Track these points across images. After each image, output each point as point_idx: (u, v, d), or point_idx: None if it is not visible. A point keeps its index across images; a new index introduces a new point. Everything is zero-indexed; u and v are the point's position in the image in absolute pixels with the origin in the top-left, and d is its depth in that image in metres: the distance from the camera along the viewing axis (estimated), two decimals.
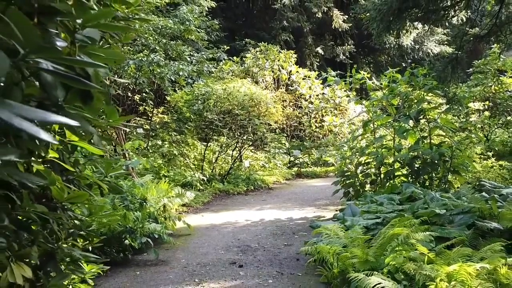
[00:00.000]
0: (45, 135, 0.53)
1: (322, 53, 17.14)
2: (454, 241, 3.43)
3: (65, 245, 1.75)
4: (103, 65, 0.74)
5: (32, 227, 1.51)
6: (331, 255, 3.32)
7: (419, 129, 5.82)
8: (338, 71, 14.35)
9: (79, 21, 0.88)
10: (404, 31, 5.32)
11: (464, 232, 3.69)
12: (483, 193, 4.80)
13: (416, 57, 16.31)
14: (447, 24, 7.92)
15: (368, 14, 6.04)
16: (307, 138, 12.47)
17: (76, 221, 1.85)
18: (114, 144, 6.05)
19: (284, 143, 11.60)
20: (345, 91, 12.39)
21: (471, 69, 8.33)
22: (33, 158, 1.44)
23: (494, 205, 4.04)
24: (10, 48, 0.70)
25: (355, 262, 3.24)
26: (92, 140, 1.53)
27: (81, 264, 2.01)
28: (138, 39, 7.10)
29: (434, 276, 2.84)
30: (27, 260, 1.47)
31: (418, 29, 6.27)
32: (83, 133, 1.42)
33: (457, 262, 3.00)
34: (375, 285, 2.51)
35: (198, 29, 9.15)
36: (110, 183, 1.91)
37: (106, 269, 2.90)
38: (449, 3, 5.37)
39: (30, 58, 0.66)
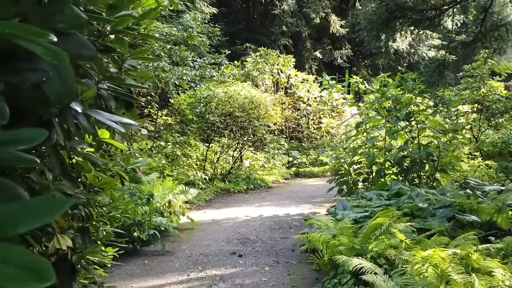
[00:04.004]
0: (122, 129, 0.92)
1: (321, 57, 17.57)
2: (434, 231, 3.79)
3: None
4: (146, 87, 1.11)
5: None
6: (321, 243, 3.69)
7: (408, 130, 6.18)
8: (337, 74, 14.73)
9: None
10: (393, 39, 5.71)
11: (444, 224, 4.04)
12: (467, 190, 5.13)
13: (411, 60, 16.72)
14: (442, 28, 8.29)
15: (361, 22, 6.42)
16: (305, 139, 12.86)
17: (99, 209, 2.24)
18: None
19: (283, 144, 11.98)
20: (342, 93, 12.80)
21: (461, 73, 8.72)
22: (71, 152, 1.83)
23: (474, 200, 4.40)
24: (86, 76, 1.09)
25: (342, 249, 3.61)
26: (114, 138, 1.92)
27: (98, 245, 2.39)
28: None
29: (411, 261, 3.21)
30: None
31: (408, 36, 6.66)
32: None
33: (433, 249, 3.36)
34: (355, 266, 2.87)
35: (200, 34, 9.56)
36: (129, 174, 2.30)
37: (121, 252, 3.28)
38: (435, 13, 5.76)
39: (103, 82, 1.05)
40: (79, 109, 0.81)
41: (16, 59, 0.59)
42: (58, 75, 0.63)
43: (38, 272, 0.42)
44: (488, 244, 3.48)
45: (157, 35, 7.32)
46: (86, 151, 1.93)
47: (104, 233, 2.29)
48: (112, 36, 1.46)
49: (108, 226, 2.54)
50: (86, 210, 1.98)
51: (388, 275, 2.85)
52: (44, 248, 1.83)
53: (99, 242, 2.30)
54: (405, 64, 16.69)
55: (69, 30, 0.64)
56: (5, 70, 0.52)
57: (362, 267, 2.83)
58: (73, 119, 0.92)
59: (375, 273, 2.75)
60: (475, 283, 2.54)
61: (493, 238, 3.80)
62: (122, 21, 1.12)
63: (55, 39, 0.55)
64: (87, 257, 2.00)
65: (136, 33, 1.16)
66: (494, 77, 9.01)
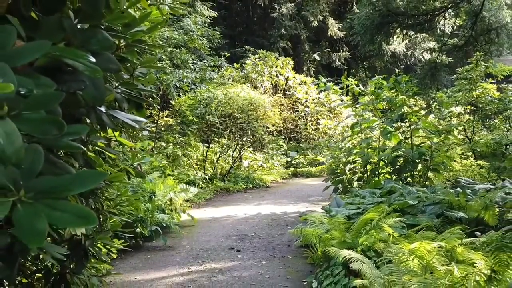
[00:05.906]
0: (136, 125, 1.13)
1: (319, 59, 17.81)
2: (423, 226, 3.97)
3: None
4: (154, 91, 1.32)
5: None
6: (314, 237, 3.89)
7: (401, 131, 6.38)
8: (335, 76, 14.95)
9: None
10: (386, 43, 5.94)
11: (433, 220, 4.23)
12: (458, 189, 5.32)
13: (408, 63, 16.97)
14: (439, 31, 8.53)
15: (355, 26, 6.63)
16: (303, 140, 13.08)
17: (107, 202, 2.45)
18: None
19: (282, 145, 12.20)
20: (339, 95, 13.02)
21: (455, 75, 8.94)
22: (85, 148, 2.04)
23: (462, 198, 4.59)
24: (107, 82, 1.30)
25: (335, 243, 3.81)
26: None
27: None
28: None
29: (398, 253, 3.40)
30: None
31: (403, 39, 6.88)
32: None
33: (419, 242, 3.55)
34: (344, 256, 3.08)
35: (200, 37, 9.78)
36: (135, 170, 2.52)
37: (126, 244, 3.49)
38: (426, 18, 5.98)
39: (118, 87, 1.26)
40: (103, 109, 1.02)
41: (63, 73, 0.80)
42: (93, 84, 0.84)
43: (86, 217, 0.64)
44: (473, 238, 3.67)
45: (158, 39, 7.56)
46: (98, 147, 2.15)
47: (113, 223, 2.51)
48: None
49: (116, 217, 2.76)
50: (95, 203, 2.19)
51: (375, 265, 3.05)
52: (58, 235, 2.04)
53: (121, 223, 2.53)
54: (402, 66, 16.93)
55: (101, 51, 0.85)
56: (56, 81, 0.73)
57: (351, 258, 3.03)
58: (95, 119, 1.13)
59: (363, 263, 2.95)
60: (454, 271, 2.74)
61: (479, 234, 3.97)
62: (134, 35, 1.33)
63: (93, 59, 0.77)
64: (97, 246, 2.22)
65: (145, 46, 1.38)
66: (487, 79, 9.19)
